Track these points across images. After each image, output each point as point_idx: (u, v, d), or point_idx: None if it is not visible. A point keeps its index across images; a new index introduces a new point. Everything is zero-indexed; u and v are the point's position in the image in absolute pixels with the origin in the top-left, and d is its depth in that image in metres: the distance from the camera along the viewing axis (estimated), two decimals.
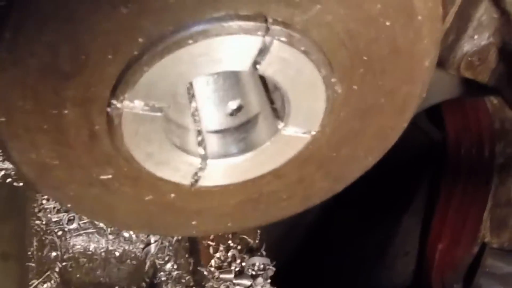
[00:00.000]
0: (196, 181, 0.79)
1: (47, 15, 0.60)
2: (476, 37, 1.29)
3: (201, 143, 0.78)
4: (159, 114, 0.69)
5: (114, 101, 0.67)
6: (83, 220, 1.45)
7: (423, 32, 0.73)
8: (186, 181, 0.78)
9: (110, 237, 1.46)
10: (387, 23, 0.70)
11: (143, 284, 1.48)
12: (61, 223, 1.43)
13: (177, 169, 0.77)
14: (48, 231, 1.42)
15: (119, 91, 0.66)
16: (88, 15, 0.60)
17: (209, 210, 0.87)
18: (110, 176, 0.77)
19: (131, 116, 0.69)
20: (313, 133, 0.77)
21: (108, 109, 0.68)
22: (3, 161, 1.43)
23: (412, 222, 1.98)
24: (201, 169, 0.78)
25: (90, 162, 0.75)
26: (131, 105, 0.68)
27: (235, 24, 0.63)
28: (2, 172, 1.42)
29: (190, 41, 0.63)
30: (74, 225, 1.44)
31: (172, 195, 0.82)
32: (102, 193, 0.80)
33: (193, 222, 0.88)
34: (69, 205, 0.83)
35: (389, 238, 2.00)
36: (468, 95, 1.52)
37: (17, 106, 0.68)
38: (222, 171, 0.79)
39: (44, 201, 1.44)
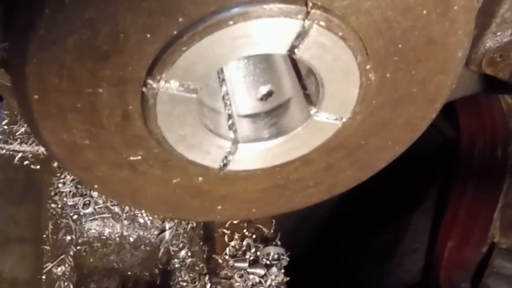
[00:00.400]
0: (226, 165, 0.79)
1: None
2: (499, 33, 1.29)
3: (231, 127, 0.78)
4: (194, 95, 0.69)
5: (150, 81, 0.67)
6: (98, 204, 1.45)
7: (458, 23, 0.73)
8: (216, 164, 0.79)
9: (125, 222, 1.46)
10: (424, 12, 0.69)
11: (156, 270, 1.49)
12: (76, 207, 1.44)
13: (208, 152, 0.76)
14: (64, 215, 1.42)
15: (156, 71, 0.66)
16: None
17: (235, 195, 0.87)
18: (139, 158, 0.77)
19: (166, 96, 0.68)
20: (345, 120, 0.77)
21: (144, 89, 0.68)
22: (20, 143, 1.43)
23: (422, 219, 1.98)
24: (231, 152, 0.78)
25: (121, 143, 0.75)
26: (167, 85, 0.67)
27: (276, 6, 0.63)
28: (20, 155, 1.43)
29: (231, 23, 0.63)
30: (90, 210, 1.44)
31: (200, 178, 0.82)
32: (130, 175, 0.80)
33: (219, 207, 0.88)
34: (96, 186, 0.83)
35: (399, 234, 1.99)
36: (486, 92, 1.52)
37: (52, 84, 0.68)
38: (252, 155, 0.79)
39: (60, 185, 1.45)
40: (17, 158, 1.41)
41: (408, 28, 0.71)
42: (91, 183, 0.83)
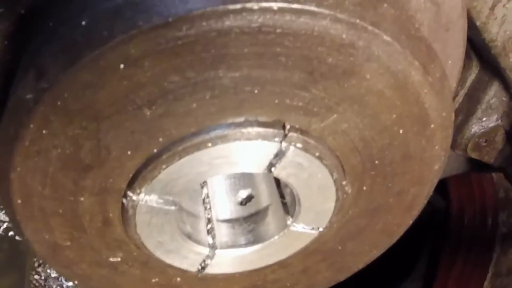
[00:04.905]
0: (203, 268, 0.80)
1: (73, 113, 0.62)
2: (484, 119, 1.31)
3: (210, 232, 0.79)
4: (173, 207, 0.71)
5: (130, 193, 0.69)
6: None
7: (435, 140, 0.75)
8: (194, 268, 0.80)
9: None
10: (401, 131, 0.72)
11: None
12: (59, 279, 1.44)
13: (185, 257, 0.78)
14: (47, 287, 1.42)
15: (136, 184, 0.68)
16: (113, 115, 0.62)
17: None
18: (119, 259, 0.79)
19: (145, 208, 0.70)
20: (321, 229, 0.78)
21: (124, 200, 0.70)
22: (6, 213, 1.44)
23: None
24: (208, 257, 0.79)
25: (101, 245, 0.76)
26: (147, 198, 0.69)
27: (254, 130, 0.65)
28: (5, 225, 1.43)
29: (209, 144, 0.65)
30: (72, 282, 1.44)
31: (178, 279, 0.83)
32: (110, 274, 0.81)
33: None
34: (76, 282, 0.83)
35: None
36: (474, 171, 1.53)
37: (36, 191, 0.69)
38: (229, 260, 0.80)
39: None
40: (2, 228, 1.41)
41: (385, 146, 0.73)
42: (72, 279, 0.84)
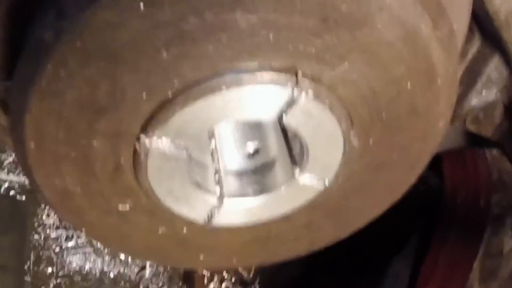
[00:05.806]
0: (210, 219, 0.81)
1: (92, 53, 0.63)
2: (484, 92, 1.31)
3: (218, 182, 0.81)
4: (184, 152, 0.72)
5: (143, 137, 0.70)
6: (81, 238, 1.46)
7: (441, 96, 0.76)
8: (201, 218, 0.81)
9: (106, 258, 1.47)
10: (408, 84, 0.73)
11: None
12: (59, 240, 1.45)
13: (193, 206, 0.79)
14: (46, 247, 1.44)
15: (149, 128, 0.69)
16: (130, 55, 0.63)
17: (217, 247, 0.89)
18: (127, 207, 0.80)
19: (157, 152, 0.71)
20: (327, 182, 0.80)
21: (136, 144, 0.71)
22: (7, 173, 1.45)
23: (402, 265, 1.99)
24: (216, 207, 0.80)
25: (111, 192, 0.77)
26: (159, 142, 0.70)
27: (267, 74, 0.67)
28: (6, 184, 1.44)
29: (224, 88, 0.66)
30: (72, 243, 1.46)
31: (185, 230, 0.84)
32: (118, 222, 0.82)
33: (201, 257, 0.90)
34: (84, 230, 0.85)
35: (378, 280, 2.00)
36: (471, 145, 1.54)
37: (49, 134, 0.70)
38: (236, 211, 0.82)
39: (44, 217, 1.46)
40: (3, 187, 1.42)
41: (392, 99, 0.74)
42: (80, 227, 0.85)
